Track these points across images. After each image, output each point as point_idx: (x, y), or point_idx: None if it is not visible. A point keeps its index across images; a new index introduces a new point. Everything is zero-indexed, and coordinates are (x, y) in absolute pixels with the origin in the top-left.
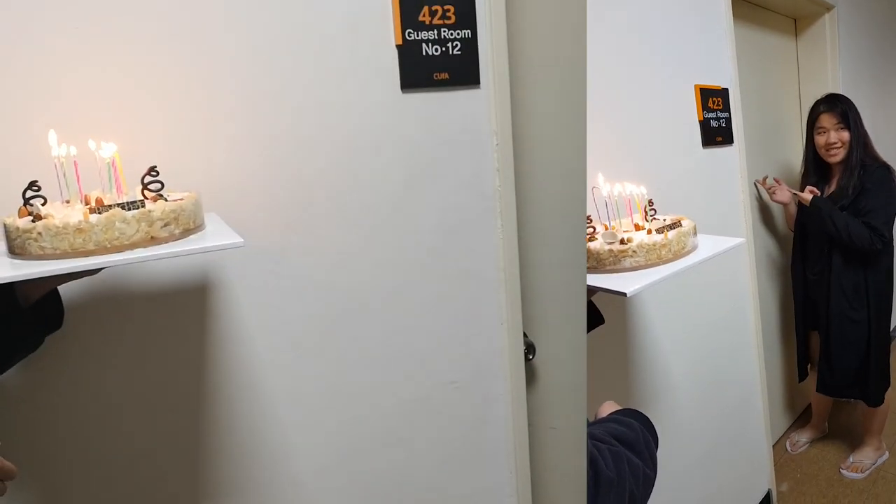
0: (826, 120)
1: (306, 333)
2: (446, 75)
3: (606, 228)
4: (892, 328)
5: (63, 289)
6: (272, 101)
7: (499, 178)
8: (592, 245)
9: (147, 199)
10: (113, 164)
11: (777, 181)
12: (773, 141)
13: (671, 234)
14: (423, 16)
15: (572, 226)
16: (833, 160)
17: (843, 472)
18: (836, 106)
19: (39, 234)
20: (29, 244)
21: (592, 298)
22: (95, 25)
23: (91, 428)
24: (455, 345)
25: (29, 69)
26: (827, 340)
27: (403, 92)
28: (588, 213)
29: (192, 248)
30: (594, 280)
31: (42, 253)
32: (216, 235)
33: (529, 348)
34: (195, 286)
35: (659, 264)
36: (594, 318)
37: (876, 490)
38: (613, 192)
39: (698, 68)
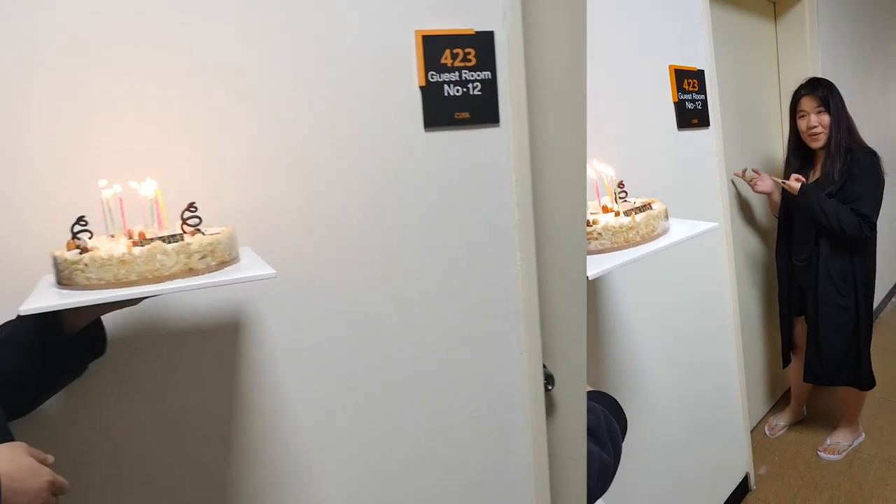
0: (807, 103)
1: (332, 362)
2: (467, 114)
3: None
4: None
5: (105, 317)
6: (303, 140)
7: (517, 213)
8: None
9: (186, 233)
10: (155, 200)
11: (756, 172)
12: (751, 125)
13: (639, 216)
14: (445, 58)
15: (579, 258)
16: (815, 145)
17: (821, 454)
18: (817, 89)
19: (86, 265)
20: (76, 275)
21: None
22: (138, 71)
23: (126, 451)
24: (475, 374)
25: (77, 111)
26: (815, 328)
27: (426, 130)
28: None
29: (227, 278)
30: None
31: (88, 283)
32: (250, 267)
33: (549, 379)
34: (229, 316)
35: (626, 248)
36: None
37: (852, 471)
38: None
39: (673, 49)
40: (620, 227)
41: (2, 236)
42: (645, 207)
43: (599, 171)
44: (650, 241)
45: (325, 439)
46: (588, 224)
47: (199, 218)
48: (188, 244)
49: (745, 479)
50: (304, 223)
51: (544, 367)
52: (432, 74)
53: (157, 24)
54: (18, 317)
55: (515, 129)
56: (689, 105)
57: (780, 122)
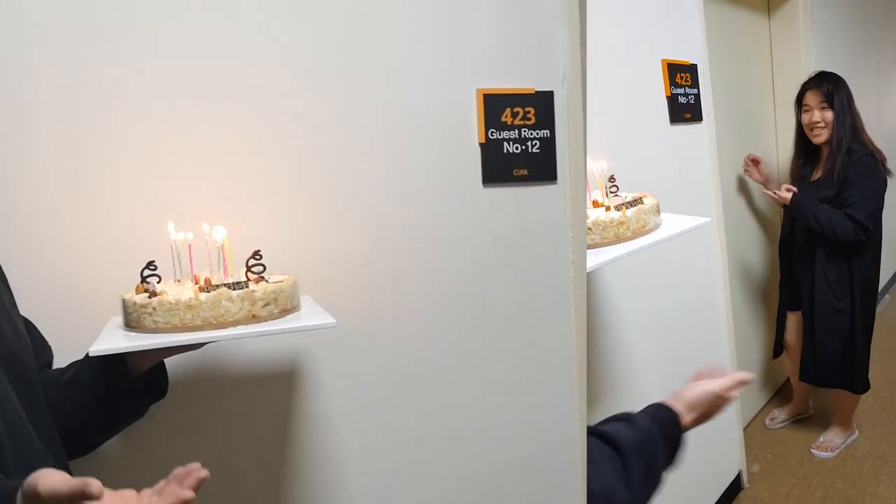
0: (811, 98)
1: (387, 413)
2: (525, 171)
3: None
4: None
5: (167, 360)
6: (364, 192)
7: (573, 269)
8: None
9: (250, 280)
10: (221, 247)
11: (754, 161)
12: (744, 119)
13: (630, 211)
14: (506, 117)
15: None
16: (817, 140)
17: (814, 451)
18: (823, 84)
19: (154, 308)
20: (144, 318)
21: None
22: (211, 120)
23: None
24: (528, 429)
25: (149, 156)
26: (811, 329)
27: (485, 186)
28: None
29: (289, 326)
30: None
31: (155, 326)
32: (311, 316)
33: None
34: (286, 363)
35: (616, 243)
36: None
37: (846, 468)
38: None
39: (666, 43)
40: (611, 222)
41: (72, 278)
42: (636, 202)
43: (591, 165)
44: (641, 236)
45: (378, 489)
46: None
47: (264, 266)
48: (252, 291)
49: (738, 477)
50: (364, 273)
51: None
52: (492, 132)
53: (233, 76)
54: (85, 357)
55: (573, 187)
56: (682, 99)
57: (773, 116)
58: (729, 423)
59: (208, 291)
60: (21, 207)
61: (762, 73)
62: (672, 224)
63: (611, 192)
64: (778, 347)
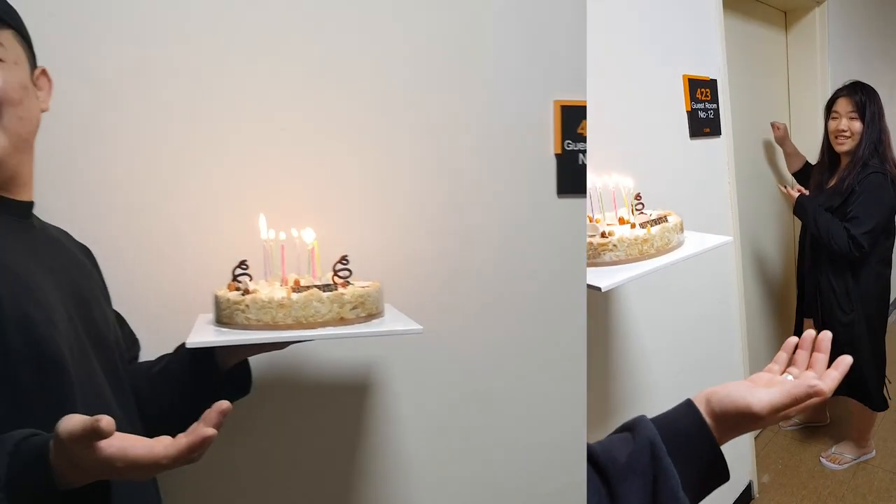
0: (842, 105)
1: (452, 415)
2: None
3: (591, 220)
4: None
5: (251, 358)
6: (444, 200)
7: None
8: None
9: (337, 284)
10: (312, 250)
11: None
12: (761, 133)
13: (654, 229)
14: (581, 128)
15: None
16: (840, 148)
17: (823, 460)
18: (856, 93)
19: (247, 306)
20: (237, 315)
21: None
22: (303, 126)
23: (250, 489)
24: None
25: (243, 159)
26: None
27: (559, 197)
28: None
29: (377, 330)
30: None
31: (247, 323)
32: (396, 321)
33: None
34: (362, 367)
35: (640, 260)
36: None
37: (856, 482)
38: (599, 183)
39: (686, 58)
40: (635, 240)
41: (163, 275)
42: (660, 220)
43: (617, 182)
44: (665, 253)
45: (440, 487)
46: (604, 235)
47: (350, 270)
48: (342, 294)
49: (749, 488)
50: (437, 277)
51: None
52: (568, 143)
53: (325, 84)
54: (175, 351)
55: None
56: (702, 114)
57: (789, 130)
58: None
59: (300, 292)
60: (117, 205)
61: (778, 87)
62: (694, 242)
63: (636, 210)
64: None
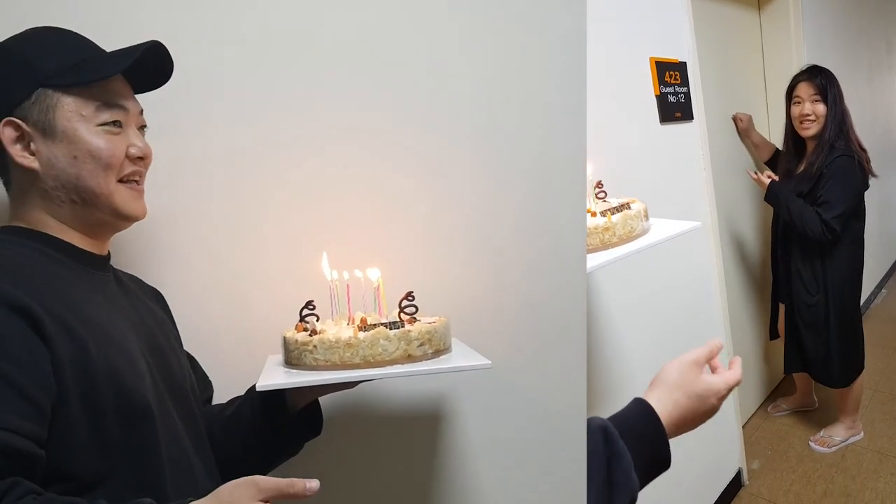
0: (803, 89)
1: (524, 449)
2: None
3: None
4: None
5: (322, 398)
6: (508, 234)
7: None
8: None
9: (404, 321)
10: (377, 288)
11: (742, 119)
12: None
13: (615, 217)
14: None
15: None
16: (805, 133)
17: (812, 444)
18: (816, 77)
19: (315, 346)
20: (305, 355)
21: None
22: (366, 165)
23: None
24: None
25: (307, 199)
26: (791, 321)
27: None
28: None
29: (445, 366)
30: None
31: (315, 364)
32: (465, 357)
33: None
34: (432, 403)
35: (602, 249)
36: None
37: (845, 464)
38: None
39: (654, 40)
40: (595, 229)
41: (234, 315)
42: (623, 207)
43: None
44: (628, 241)
45: None
46: None
47: (416, 307)
48: (408, 331)
49: (738, 475)
50: (502, 310)
51: None
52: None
53: (387, 124)
54: (246, 393)
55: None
56: (672, 98)
57: (765, 113)
58: (728, 420)
59: (366, 331)
60: (188, 250)
61: (753, 69)
62: (660, 229)
63: (598, 198)
64: (773, 332)
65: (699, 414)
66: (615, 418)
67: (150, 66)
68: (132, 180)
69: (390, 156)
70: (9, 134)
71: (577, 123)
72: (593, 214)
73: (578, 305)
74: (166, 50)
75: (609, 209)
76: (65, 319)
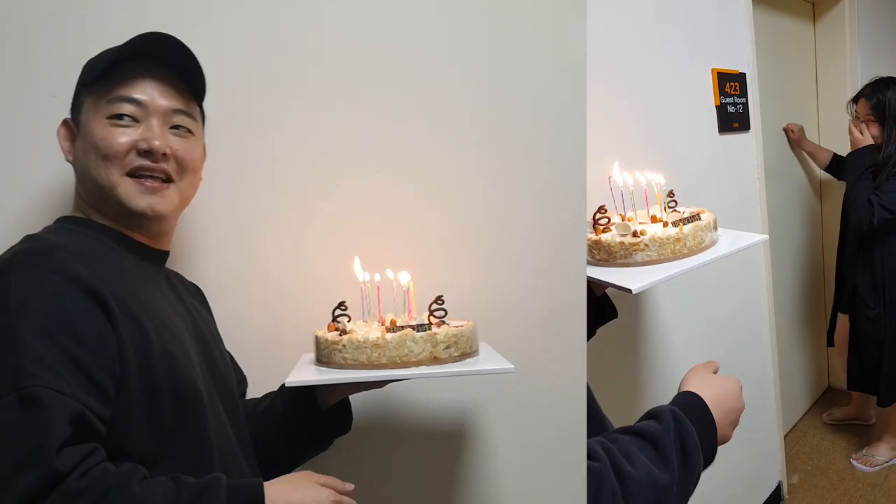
0: (861, 107)
1: (550, 455)
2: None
3: (623, 219)
4: None
5: (353, 397)
6: (531, 237)
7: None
8: (604, 237)
9: (433, 324)
10: (407, 290)
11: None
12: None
13: (686, 228)
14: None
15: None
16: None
17: (854, 462)
18: (872, 96)
19: (344, 346)
20: (334, 354)
21: (606, 291)
22: (398, 170)
23: None
24: None
25: (342, 207)
26: (855, 335)
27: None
28: (602, 203)
29: (469, 369)
30: (603, 274)
31: (344, 363)
32: (489, 361)
33: None
34: (458, 404)
35: (673, 259)
36: (607, 312)
37: (888, 485)
38: (630, 181)
39: (715, 52)
40: (667, 239)
41: (269, 316)
42: (693, 218)
43: (649, 179)
44: (697, 253)
45: None
46: (635, 234)
47: (445, 311)
48: (435, 334)
49: (778, 488)
50: (530, 316)
51: None
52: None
53: (419, 129)
54: (279, 388)
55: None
56: (731, 109)
57: (816, 123)
58: (769, 433)
59: (394, 332)
60: (226, 250)
61: (806, 80)
62: (727, 241)
63: (669, 207)
64: (829, 340)
65: (731, 403)
66: (675, 404)
67: (172, 56)
68: (143, 175)
69: (424, 161)
70: (62, 133)
71: (579, 129)
72: (665, 224)
73: (579, 311)
74: (170, 38)
75: (680, 219)
76: (128, 305)
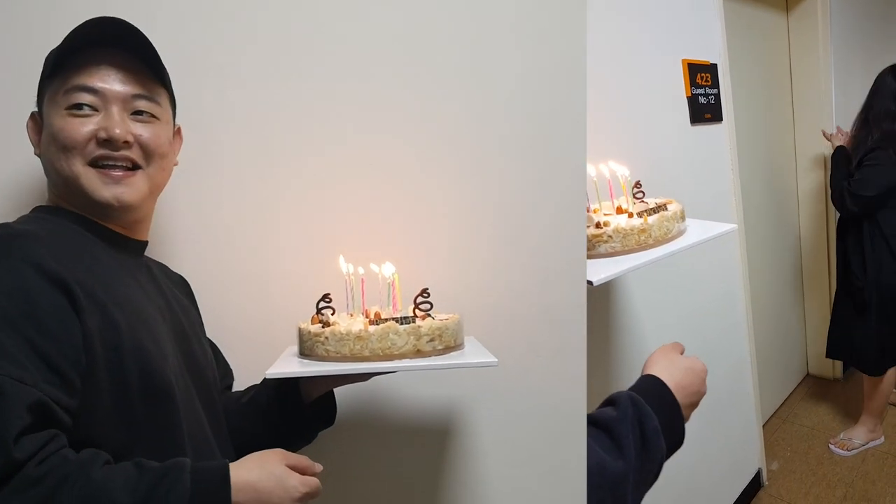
0: None
1: (535, 449)
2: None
3: (588, 211)
4: None
5: (337, 390)
6: (519, 234)
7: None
8: None
9: (417, 316)
10: (392, 283)
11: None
12: (762, 118)
13: (651, 218)
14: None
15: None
16: None
17: (831, 446)
18: None
19: (326, 338)
20: (317, 346)
21: None
22: (386, 165)
23: None
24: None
25: (327, 198)
26: (840, 304)
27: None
28: None
29: (451, 362)
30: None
31: (326, 355)
32: (473, 354)
33: None
34: (445, 399)
35: (638, 251)
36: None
37: (866, 468)
38: (593, 173)
39: (686, 43)
40: (632, 230)
41: (255, 308)
42: (660, 208)
43: (613, 170)
44: (664, 243)
45: None
46: (598, 226)
47: (431, 304)
48: (418, 327)
49: (758, 475)
50: (519, 312)
51: None
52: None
53: (407, 121)
54: (263, 381)
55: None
56: (703, 99)
57: (790, 114)
58: (748, 421)
59: (377, 324)
60: (213, 241)
61: (780, 70)
62: (696, 231)
63: (636, 198)
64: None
65: (695, 386)
66: (634, 389)
67: (117, 43)
68: (105, 164)
69: (412, 153)
70: (30, 126)
71: (578, 125)
72: (630, 215)
73: (578, 309)
74: (127, 26)
75: (646, 210)
76: (97, 295)
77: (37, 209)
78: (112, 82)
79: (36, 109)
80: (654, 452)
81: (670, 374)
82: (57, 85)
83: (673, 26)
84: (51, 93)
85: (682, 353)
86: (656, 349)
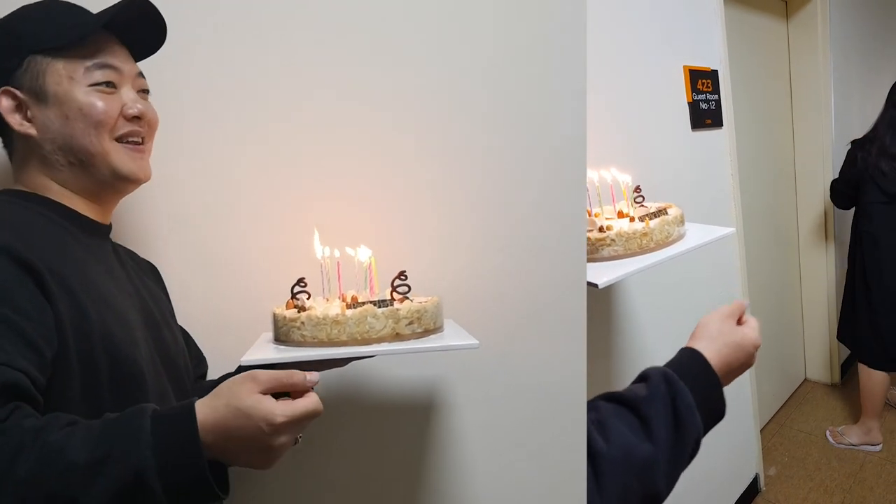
0: None
1: (519, 431)
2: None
3: (590, 215)
4: None
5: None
6: (502, 213)
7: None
8: None
9: (395, 300)
10: (369, 267)
11: None
12: (762, 124)
13: (653, 222)
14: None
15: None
16: None
17: (827, 433)
18: None
19: (303, 323)
20: (292, 332)
21: None
22: (363, 146)
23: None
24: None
25: (301, 178)
26: (852, 291)
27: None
28: None
29: (431, 345)
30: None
31: (303, 340)
32: (453, 336)
33: None
34: (425, 383)
35: (640, 254)
36: None
37: (864, 474)
38: (597, 178)
39: (687, 49)
40: (634, 234)
41: (226, 294)
42: (660, 212)
43: (615, 175)
44: (665, 247)
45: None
46: (601, 230)
47: (409, 286)
48: (397, 310)
49: (755, 480)
50: (501, 295)
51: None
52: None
53: (384, 105)
54: (236, 369)
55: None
56: (703, 105)
57: (790, 120)
58: (746, 426)
59: (354, 308)
60: (182, 228)
61: (780, 77)
62: (696, 235)
63: (636, 203)
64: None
65: (740, 363)
66: (670, 364)
67: (136, 24)
68: (131, 140)
69: (389, 136)
70: (6, 104)
71: (578, 111)
72: (631, 219)
73: (578, 294)
74: (152, 6)
75: (647, 214)
76: (66, 280)
77: (7, 193)
78: (125, 61)
79: (7, 87)
80: (689, 429)
81: (716, 348)
82: (74, 60)
83: (674, 33)
84: (66, 67)
85: (740, 318)
86: (713, 311)
